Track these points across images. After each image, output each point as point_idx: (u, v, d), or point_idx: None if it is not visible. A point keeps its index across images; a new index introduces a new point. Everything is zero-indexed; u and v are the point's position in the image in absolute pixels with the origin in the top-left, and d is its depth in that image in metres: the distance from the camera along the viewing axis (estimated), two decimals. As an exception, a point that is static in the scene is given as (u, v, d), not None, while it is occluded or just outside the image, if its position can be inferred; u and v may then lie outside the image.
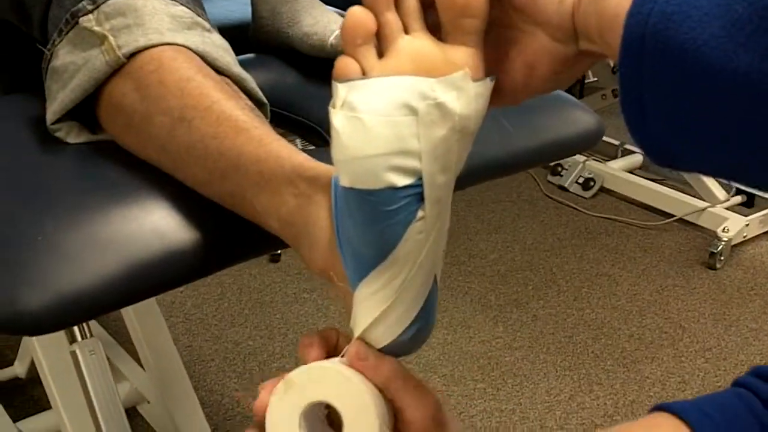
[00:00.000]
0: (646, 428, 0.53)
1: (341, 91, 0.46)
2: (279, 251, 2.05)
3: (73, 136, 0.67)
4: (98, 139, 0.68)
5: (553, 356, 1.78)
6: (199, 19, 0.68)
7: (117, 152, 0.66)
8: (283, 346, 1.77)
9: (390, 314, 0.50)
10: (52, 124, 0.67)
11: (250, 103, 0.67)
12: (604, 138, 2.57)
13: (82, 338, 1.14)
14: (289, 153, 0.58)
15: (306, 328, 1.83)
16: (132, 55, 0.64)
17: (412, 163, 0.46)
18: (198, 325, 1.84)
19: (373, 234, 0.48)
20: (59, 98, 0.66)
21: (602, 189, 2.45)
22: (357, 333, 0.51)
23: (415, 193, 0.47)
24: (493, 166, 0.78)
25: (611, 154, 2.56)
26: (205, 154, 0.59)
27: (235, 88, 0.67)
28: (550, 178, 2.51)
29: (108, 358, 1.69)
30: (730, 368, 1.76)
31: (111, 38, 0.64)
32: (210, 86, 0.62)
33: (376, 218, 0.47)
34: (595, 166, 2.46)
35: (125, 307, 0.60)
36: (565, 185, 2.45)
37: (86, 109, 0.68)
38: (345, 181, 0.47)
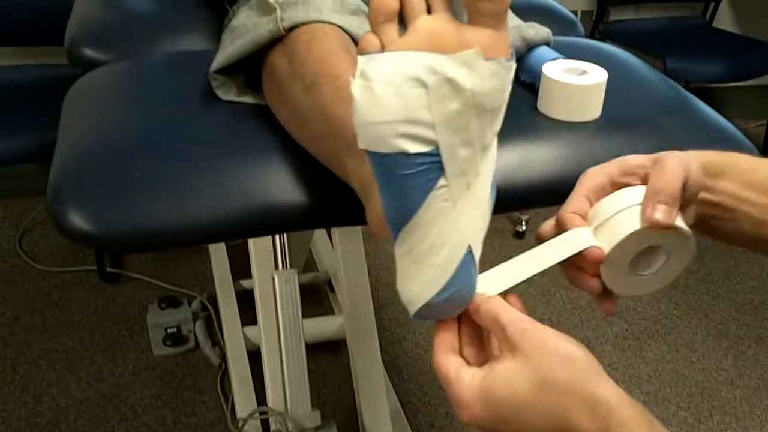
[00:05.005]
0: None
1: (360, 62, 0.49)
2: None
3: (223, 91, 0.77)
4: (242, 100, 0.77)
5: (780, 406, 1.60)
6: (366, 8, 0.73)
7: (258, 116, 0.74)
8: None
9: (422, 276, 0.53)
10: (214, 72, 0.76)
11: None
12: None
13: (283, 267, 1.25)
14: None
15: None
16: (292, 29, 0.71)
17: (424, 132, 0.48)
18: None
19: (393, 196, 0.51)
20: (226, 51, 0.76)
21: None
22: (398, 287, 0.55)
23: (432, 162, 0.49)
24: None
25: None
26: (323, 115, 0.66)
27: None
28: None
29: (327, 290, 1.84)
30: None
31: (278, 11, 0.73)
32: (346, 59, 0.69)
33: (392, 180, 0.51)
34: None
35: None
36: None
37: (247, 72, 0.76)
38: (361, 144, 0.50)
